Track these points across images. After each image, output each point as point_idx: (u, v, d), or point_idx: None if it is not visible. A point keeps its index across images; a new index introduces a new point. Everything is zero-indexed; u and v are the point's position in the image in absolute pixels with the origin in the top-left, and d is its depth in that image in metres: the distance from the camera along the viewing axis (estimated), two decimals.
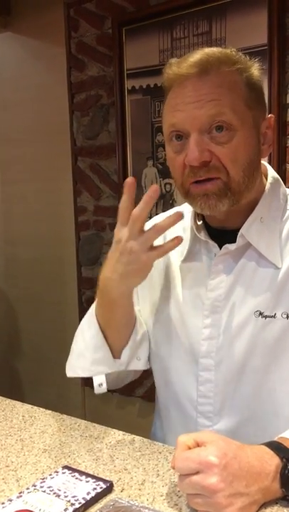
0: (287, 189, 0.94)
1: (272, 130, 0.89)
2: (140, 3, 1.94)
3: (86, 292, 2.31)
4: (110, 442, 0.88)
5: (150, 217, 1.97)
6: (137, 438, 0.89)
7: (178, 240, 0.83)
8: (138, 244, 0.83)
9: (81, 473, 0.76)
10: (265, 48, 1.64)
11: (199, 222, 0.94)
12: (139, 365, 0.99)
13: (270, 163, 1.61)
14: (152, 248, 0.84)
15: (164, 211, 1.94)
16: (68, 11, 2.16)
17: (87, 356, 0.95)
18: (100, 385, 0.94)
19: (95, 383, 0.94)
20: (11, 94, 2.40)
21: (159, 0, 1.89)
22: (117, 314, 0.93)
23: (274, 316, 0.86)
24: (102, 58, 2.09)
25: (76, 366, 0.98)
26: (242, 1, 1.67)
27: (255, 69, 0.85)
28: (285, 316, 0.85)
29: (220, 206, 0.84)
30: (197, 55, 0.81)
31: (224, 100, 0.80)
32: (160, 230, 0.83)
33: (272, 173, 0.94)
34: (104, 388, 0.94)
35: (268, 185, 0.91)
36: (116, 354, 0.95)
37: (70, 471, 0.77)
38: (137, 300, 1.06)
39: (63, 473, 0.76)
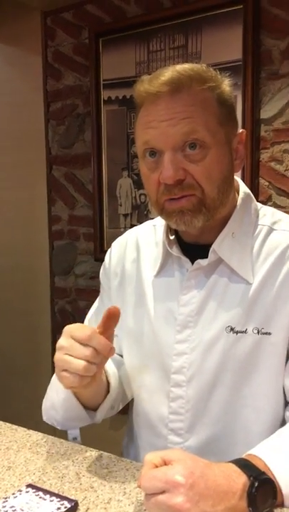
0: (258, 204, 0.95)
1: (243, 145, 0.89)
2: (117, 15, 1.95)
3: (59, 302, 2.29)
4: (77, 459, 0.86)
5: (124, 228, 1.98)
6: (105, 454, 0.87)
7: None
8: (79, 362, 0.77)
9: (45, 491, 0.74)
10: (240, 63, 1.66)
11: (172, 237, 0.94)
12: (114, 412, 0.98)
13: (243, 177, 1.64)
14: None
15: (138, 222, 1.96)
16: (45, 19, 2.15)
17: (60, 412, 0.92)
18: (75, 438, 0.93)
19: (70, 437, 0.93)
20: None
21: (136, 12, 1.90)
22: (84, 392, 0.88)
23: (245, 332, 0.86)
24: (79, 68, 2.09)
25: (50, 415, 0.95)
26: (218, 16, 1.70)
27: (226, 85, 0.86)
28: (256, 331, 0.85)
29: (195, 222, 0.84)
30: (168, 73, 0.80)
31: (197, 118, 0.80)
32: (104, 348, 0.78)
33: (243, 188, 0.94)
34: (79, 441, 0.93)
35: (239, 201, 0.91)
36: (91, 408, 0.91)
37: (34, 490, 0.74)
38: None
39: (27, 492, 0.74)
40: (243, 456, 0.73)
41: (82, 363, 0.76)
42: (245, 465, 0.68)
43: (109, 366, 0.95)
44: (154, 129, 0.81)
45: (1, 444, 0.92)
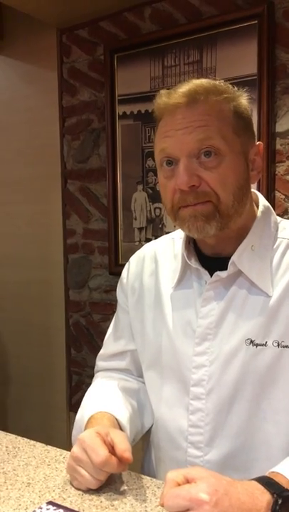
0: (277, 217, 0.95)
1: (260, 157, 0.90)
2: (132, 31, 1.98)
3: (73, 315, 2.29)
4: None
5: (139, 242, 1.99)
6: (125, 472, 0.86)
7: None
8: (91, 479, 0.78)
9: (66, 509, 0.73)
10: (255, 77, 1.67)
11: (190, 250, 0.94)
12: (132, 444, 0.97)
13: (259, 190, 1.63)
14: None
15: (153, 235, 1.96)
16: (61, 36, 2.19)
17: None
18: None
19: None
20: (3, 116, 2.41)
21: (151, 28, 1.92)
22: None
23: (265, 345, 0.85)
24: (94, 84, 2.11)
25: None
26: (232, 31, 1.71)
27: (243, 98, 0.88)
28: (276, 344, 0.85)
29: (208, 228, 0.84)
30: (186, 86, 0.83)
31: (212, 126, 0.82)
32: (118, 470, 0.79)
33: (263, 201, 0.94)
34: None
35: (259, 214, 0.91)
36: None
37: (55, 508, 0.74)
38: (131, 338, 1.05)
39: (48, 509, 0.73)
40: (266, 473, 0.72)
41: (94, 482, 0.78)
42: (268, 482, 0.68)
43: (121, 411, 0.93)
44: (171, 138, 0.83)
45: (20, 459, 0.92)
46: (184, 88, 0.83)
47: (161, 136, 0.85)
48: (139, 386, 1.04)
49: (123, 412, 0.93)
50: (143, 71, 1.93)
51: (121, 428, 0.90)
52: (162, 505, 0.64)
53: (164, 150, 0.84)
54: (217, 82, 0.86)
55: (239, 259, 0.87)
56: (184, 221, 0.85)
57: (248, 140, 0.87)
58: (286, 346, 0.84)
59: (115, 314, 1.11)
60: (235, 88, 0.88)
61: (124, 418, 0.92)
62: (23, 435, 1.02)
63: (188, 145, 0.81)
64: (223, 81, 0.87)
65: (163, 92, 0.86)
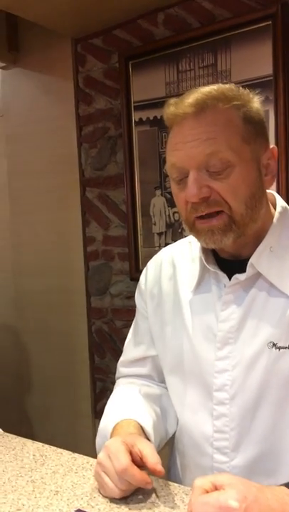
0: None
1: (275, 161, 0.89)
2: (146, 38, 1.99)
3: (96, 322, 2.30)
4: None
5: (159, 247, 1.99)
6: (152, 478, 0.86)
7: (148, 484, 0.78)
8: (114, 488, 0.78)
9: None
10: (271, 78, 1.66)
11: (208, 254, 0.93)
12: (169, 435, 0.99)
13: (278, 191, 1.62)
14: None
15: (173, 240, 1.96)
16: (76, 46, 2.21)
17: None
18: None
19: None
20: (21, 127, 2.44)
21: (165, 34, 1.93)
22: None
23: (288, 347, 0.84)
24: (109, 91, 2.13)
25: None
26: (246, 33, 1.70)
27: (255, 102, 0.86)
28: None
29: (225, 240, 0.85)
30: (194, 95, 0.83)
31: (220, 138, 0.81)
32: (139, 483, 0.77)
33: (280, 202, 0.93)
34: None
35: (277, 215, 0.90)
36: None
37: None
38: (152, 343, 1.04)
39: None
40: None
41: (116, 491, 0.78)
42: None
43: (146, 417, 0.93)
44: (179, 151, 0.83)
45: (48, 467, 0.92)
46: (192, 97, 0.82)
47: (171, 148, 0.85)
48: (162, 392, 1.04)
49: (147, 419, 0.93)
50: (158, 77, 1.94)
51: (146, 435, 0.90)
52: None
53: (174, 164, 0.85)
54: (227, 87, 0.85)
55: (258, 260, 0.86)
56: (201, 234, 0.86)
57: (259, 146, 0.86)
58: None
59: (134, 320, 1.11)
60: (247, 91, 0.87)
61: (148, 425, 0.91)
62: (49, 444, 1.02)
63: (197, 159, 0.81)
64: (234, 85, 0.86)
65: (171, 101, 0.86)
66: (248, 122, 0.84)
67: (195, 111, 0.81)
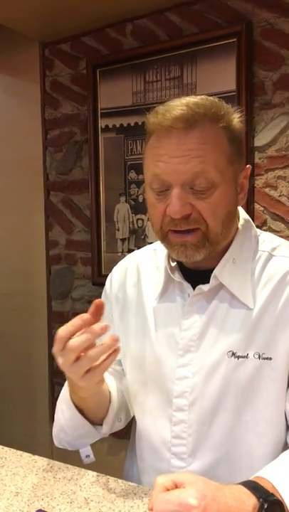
0: (257, 230, 0.98)
1: (248, 180, 0.92)
2: (114, 47, 2.01)
3: (56, 327, 2.28)
4: (84, 484, 0.87)
5: (122, 253, 2.01)
6: (111, 479, 0.88)
7: (115, 353, 0.81)
8: (72, 374, 0.80)
9: None
10: (234, 93, 1.72)
11: (173, 264, 0.95)
12: (122, 424, 1.01)
13: None
14: (88, 371, 0.80)
15: (136, 246, 1.99)
16: (43, 50, 2.21)
17: (69, 433, 0.95)
18: (88, 456, 0.94)
19: (82, 455, 0.94)
20: None
21: (133, 44, 1.96)
22: (88, 402, 0.91)
23: (246, 357, 0.87)
24: (76, 97, 2.14)
25: (60, 439, 0.97)
26: (212, 49, 1.76)
27: (237, 120, 0.88)
28: (257, 356, 0.87)
29: (196, 256, 0.86)
30: (182, 108, 0.81)
31: (208, 157, 0.81)
32: (93, 359, 0.79)
33: (243, 214, 0.97)
34: (91, 458, 0.94)
35: (239, 227, 0.94)
36: (97, 423, 0.94)
37: None
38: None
39: None
40: (251, 477, 0.74)
41: (83, 337, 0.78)
42: (254, 487, 0.70)
43: (109, 380, 0.97)
44: (165, 164, 0.82)
45: (8, 469, 0.92)
46: (180, 112, 0.81)
47: (155, 158, 0.84)
48: (123, 375, 1.05)
49: (109, 379, 0.96)
50: (125, 85, 1.97)
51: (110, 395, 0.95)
52: (151, 510, 0.66)
53: (158, 175, 0.83)
54: (214, 104, 0.84)
55: (221, 272, 0.89)
56: (174, 247, 0.87)
57: (238, 166, 0.87)
58: (267, 358, 0.86)
59: None
60: (230, 108, 0.87)
61: (110, 382, 0.96)
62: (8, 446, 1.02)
63: (184, 176, 0.81)
64: (218, 99, 0.86)
65: (159, 108, 0.84)
66: (232, 142, 0.85)
67: (184, 126, 0.80)
